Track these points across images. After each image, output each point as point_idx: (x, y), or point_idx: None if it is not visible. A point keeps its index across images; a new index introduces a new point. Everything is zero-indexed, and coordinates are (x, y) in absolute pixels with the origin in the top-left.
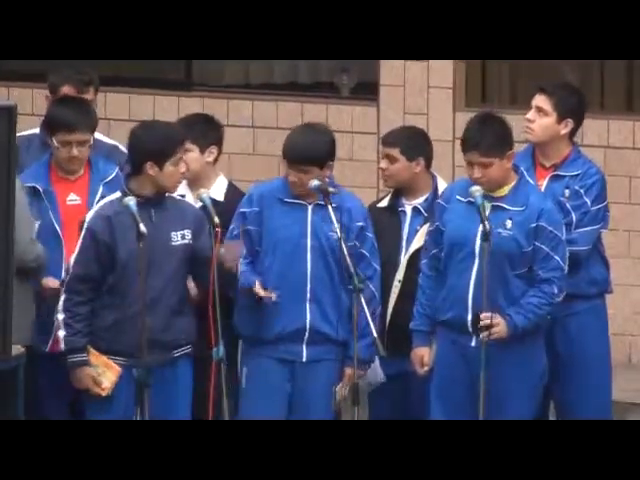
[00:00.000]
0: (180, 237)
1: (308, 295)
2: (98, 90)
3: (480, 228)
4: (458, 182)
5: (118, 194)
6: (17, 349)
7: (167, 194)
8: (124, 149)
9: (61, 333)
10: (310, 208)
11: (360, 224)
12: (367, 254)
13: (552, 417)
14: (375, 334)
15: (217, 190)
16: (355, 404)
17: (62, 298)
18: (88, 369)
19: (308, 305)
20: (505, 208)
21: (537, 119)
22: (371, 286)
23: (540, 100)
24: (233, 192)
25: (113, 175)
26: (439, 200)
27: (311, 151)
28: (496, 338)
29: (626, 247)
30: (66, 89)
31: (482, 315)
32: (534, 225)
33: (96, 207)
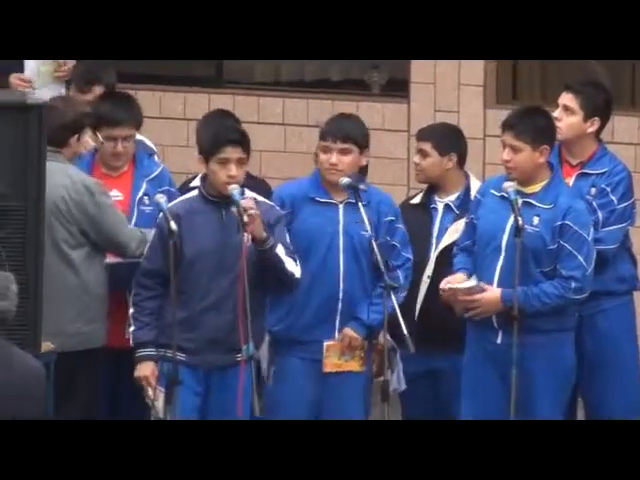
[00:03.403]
0: (252, 239)
1: (341, 295)
2: (114, 87)
3: (510, 222)
4: (496, 177)
5: (194, 193)
6: (47, 346)
7: (247, 194)
8: (150, 144)
9: (131, 328)
10: (341, 207)
11: (390, 218)
12: (398, 245)
13: (580, 415)
14: (406, 331)
15: None
16: (384, 401)
17: (132, 293)
18: (152, 365)
19: (340, 305)
20: (534, 205)
21: (564, 117)
22: (399, 272)
23: (567, 98)
24: (254, 183)
25: (157, 172)
26: (476, 193)
27: (356, 129)
28: (481, 310)
29: None
30: (72, 88)
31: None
32: (559, 223)
33: (170, 204)
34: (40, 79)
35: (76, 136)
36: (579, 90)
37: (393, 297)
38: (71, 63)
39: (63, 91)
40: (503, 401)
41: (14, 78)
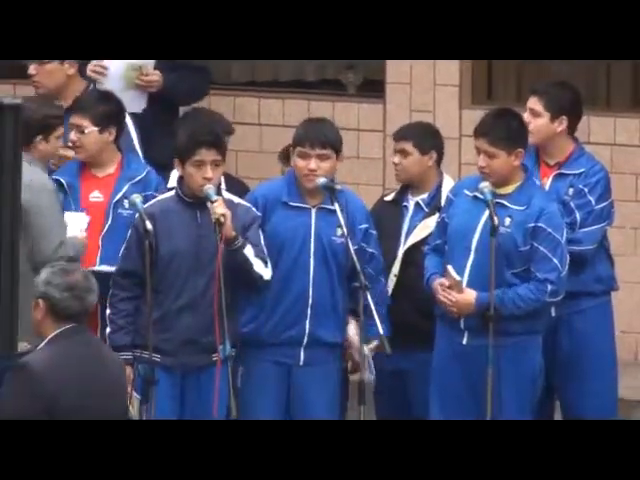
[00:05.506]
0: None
1: (310, 300)
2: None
3: (482, 222)
4: (469, 177)
5: (171, 193)
6: (24, 346)
7: (223, 195)
8: (133, 134)
9: (107, 330)
10: (314, 212)
11: (365, 226)
12: (375, 252)
13: (558, 415)
14: (382, 332)
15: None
16: (361, 404)
17: (109, 294)
18: (127, 369)
19: (309, 310)
20: (506, 206)
21: (532, 121)
22: (383, 280)
23: (532, 102)
24: (232, 183)
25: (142, 176)
26: (448, 193)
27: (333, 135)
28: (455, 311)
29: (633, 245)
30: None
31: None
32: (532, 225)
33: (146, 204)
34: (123, 82)
35: (40, 137)
36: (543, 91)
37: (369, 297)
38: (156, 75)
39: (144, 101)
40: (468, 401)
41: (91, 67)
